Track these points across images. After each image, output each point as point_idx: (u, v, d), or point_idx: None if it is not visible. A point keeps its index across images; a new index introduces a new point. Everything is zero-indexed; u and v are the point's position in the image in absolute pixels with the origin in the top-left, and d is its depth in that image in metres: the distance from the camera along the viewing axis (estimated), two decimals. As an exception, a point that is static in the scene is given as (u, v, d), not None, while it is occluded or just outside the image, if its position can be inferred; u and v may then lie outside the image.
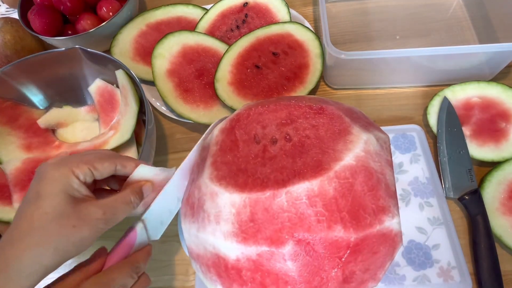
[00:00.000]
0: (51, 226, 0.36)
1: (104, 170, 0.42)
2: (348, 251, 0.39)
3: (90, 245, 0.39)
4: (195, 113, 0.73)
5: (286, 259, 0.39)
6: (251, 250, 0.40)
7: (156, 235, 0.48)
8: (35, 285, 0.36)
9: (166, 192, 0.48)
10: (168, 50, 0.77)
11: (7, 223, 0.62)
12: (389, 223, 0.41)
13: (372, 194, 0.41)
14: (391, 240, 0.42)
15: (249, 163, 0.44)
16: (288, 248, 0.39)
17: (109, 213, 0.41)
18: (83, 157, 0.42)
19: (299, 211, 0.39)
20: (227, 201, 0.41)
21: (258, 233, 0.39)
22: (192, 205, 0.46)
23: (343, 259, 0.39)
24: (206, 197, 0.43)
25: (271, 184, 0.41)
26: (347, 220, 0.39)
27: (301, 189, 0.39)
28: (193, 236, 0.46)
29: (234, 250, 0.41)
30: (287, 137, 0.46)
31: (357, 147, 0.42)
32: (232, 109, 0.72)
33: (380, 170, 0.42)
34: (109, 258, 0.43)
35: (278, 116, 0.48)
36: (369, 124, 0.48)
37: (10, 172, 0.66)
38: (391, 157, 0.46)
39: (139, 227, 0.45)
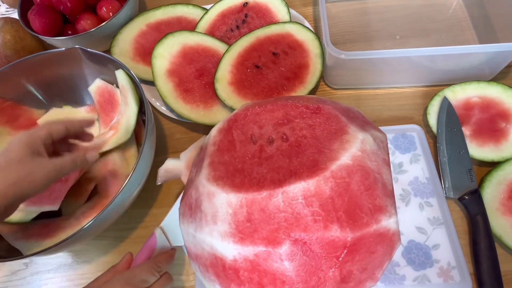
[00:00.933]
0: (13, 168, 0.47)
1: (57, 130, 0.53)
2: (345, 251, 0.39)
3: (43, 188, 0.49)
4: (195, 113, 0.73)
5: (283, 259, 0.39)
6: (248, 250, 0.40)
7: (181, 241, 0.54)
8: None
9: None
10: (168, 50, 0.77)
11: (7, 223, 0.63)
12: (386, 222, 0.41)
13: (369, 193, 0.41)
14: (389, 239, 0.41)
15: (246, 163, 0.44)
16: (285, 248, 0.39)
17: (58, 166, 0.51)
18: (43, 125, 0.54)
19: (295, 211, 0.39)
20: (223, 201, 0.41)
21: (255, 233, 0.39)
22: (190, 205, 0.46)
23: (340, 258, 0.39)
24: (203, 197, 0.43)
25: (268, 184, 0.41)
26: (343, 220, 0.39)
27: (298, 189, 0.39)
28: (191, 236, 0.46)
29: (231, 250, 0.41)
30: (284, 137, 0.46)
31: (354, 147, 0.42)
32: (232, 109, 0.72)
33: (377, 169, 0.42)
34: (135, 260, 0.53)
35: (275, 116, 0.48)
36: (366, 124, 0.48)
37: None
38: (389, 156, 0.46)
39: (158, 232, 0.54)
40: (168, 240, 0.54)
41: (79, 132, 0.58)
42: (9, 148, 0.50)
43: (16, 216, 0.63)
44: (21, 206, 0.63)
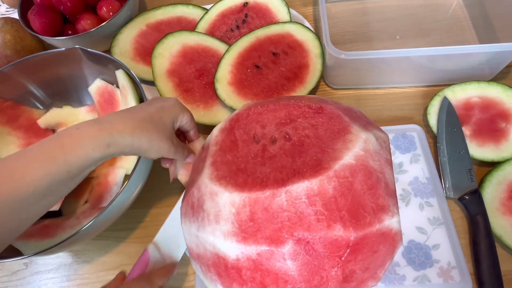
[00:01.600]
0: (159, 127, 0.48)
1: (183, 122, 0.55)
2: (348, 250, 0.39)
3: (165, 153, 0.50)
4: (195, 113, 0.72)
5: (286, 259, 0.39)
6: (251, 250, 0.40)
7: (177, 257, 0.55)
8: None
9: (172, 217, 0.56)
10: (168, 50, 0.77)
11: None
12: (389, 222, 0.41)
13: (372, 193, 0.41)
14: (391, 239, 0.42)
15: (249, 163, 0.44)
16: (287, 248, 0.39)
17: (179, 146, 0.52)
18: (182, 108, 0.54)
19: (298, 210, 0.39)
20: (226, 201, 0.41)
21: (258, 233, 0.39)
22: (192, 204, 0.46)
23: (343, 258, 0.39)
24: (206, 197, 0.43)
25: (271, 183, 0.41)
26: (346, 219, 0.39)
27: (301, 188, 0.39)
28: (193, 236, 0.46)
29: (234, 250, 0.40)
30: (287, 136, 0.46)
31: (357, 146, 0.42)
32: (232, 109, 0.72)
33: (380, 169, 0.42)
34: (128, 276, 0.52)
35: (277, 116, 0.48)
36: (368, 123, 0.48)
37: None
38: (391, 156, 0.46)
39: (150, 248, 0.53)
40: (162, 255, 0.54)
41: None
42: (164, 105, 0.51)
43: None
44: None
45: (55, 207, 0.64)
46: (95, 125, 0.43)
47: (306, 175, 0.40)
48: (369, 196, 0.40)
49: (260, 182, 0.41)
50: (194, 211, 0.45)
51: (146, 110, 0.49)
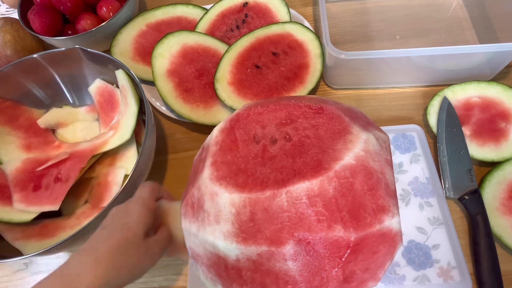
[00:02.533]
0: (129, 253, 0.43)
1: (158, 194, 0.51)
2: (348, 251, 0.39)
3: (150, 267, 0.45)
4: (195, 113, 0.73)
5: (286, 259, 0.39)
6: (251, 250, 0.40)
7: None
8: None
9: None
10: (168, 50, 0.77)
11: (7, 223, 0.62)
12: (389, 222, 0.41)
13: (372, 193, 0.41)
14: (391, 239, 0.42)
15: (249, 163, 0.44)
16: (288, 248, 0.39)
17: (162, 246, 0.47)
18: (148, 208, 0.48)
19: (299, 211, 0.39)
20: (227, 201, 0.41)
21: (258, 233, 0.39)
22: (192, 205, 0.46)
23: (343, 258, 0.39)
24: (206, 197, 0.43)
25: (271, 184, 0.41)
26: (347, 220, 0.39)
27: (301, 188, 0.39)
28: (193, 236, 0.46)
29: (234, 250, 0.40)
30: (287, 137, 0.46)
31: (357, 147, 0.42)
32: (232, 109, 0.72)
33: (380, 169, 0.42)
34: None
35: (277, 116, 0.48)
36: (369, 124, 0.48)
37: (10, 172, 0.66)
38: (391, 157, 0.46)
39: None
40: None
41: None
42: (128, 222, 0.44)
43: (16, 216, 0.63)
44: (21, 206, 0.63)
45: (55, 207, 0.64)
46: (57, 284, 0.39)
47: (306, 176, 0.40)
48: (370, 196, 0.40)
49: (260, 183, 0.41)
50: (194, 211, 0.45)
51: (111, 239, 0.43)
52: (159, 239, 0.47)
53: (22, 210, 0.62)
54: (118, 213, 0.47)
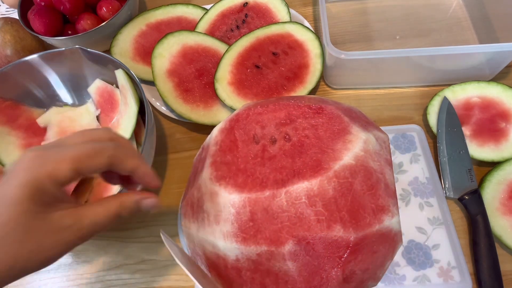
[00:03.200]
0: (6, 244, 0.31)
1: (92, 168, 0.35)
2: (348, 251, 0.39)
3: (56, 259, 0.35)
4: (195, 113, 0.72)
5: (286, 259, 0.39)
6: (250, 250, 0.40)
7: None
8: None
9: None
10: (168, 50, 0.77)
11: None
12: (389, 222, 0.41)
13: (372, 193, 0.41)
14: (391, 239, 0.42)
15: (249, 163, 0.44)
16: (288, 248, 0.39)
17: (86, 225, 0.35)
18: (68, 151, 0.35)
19: (298, 211, 0.39)
20: (226, 201, 0.41)
21: (258, 233, 0.39)
22: (192, 205, 0.46)
23: (343, 258, 0.39)
24: (205, 197, 0.43)
25: (271, 184, 0.41)
26: (346, 220, 0.39)
27: (301, 189, 0.39)
28: (193, 236, 0.46)
29: (233, 250, 0.41)
30: (286, 137, 0.46)
31: (356, 147, 0.42)
32: (232, 109, 0.72)
33: (380, 169, 0.42)
34: None
35: (277, 116, 0.48)
36: (368, 124, 0.48)
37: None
38: (391, 157, 0.46)
39: None
40: None
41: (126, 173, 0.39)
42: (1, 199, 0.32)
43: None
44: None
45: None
46: None
47: (306, 176, 0.40)
48: (369, 196, 0.40)
49: (260, 183, 0.41)
50: (194, 211, 0.45)
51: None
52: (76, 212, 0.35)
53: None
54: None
